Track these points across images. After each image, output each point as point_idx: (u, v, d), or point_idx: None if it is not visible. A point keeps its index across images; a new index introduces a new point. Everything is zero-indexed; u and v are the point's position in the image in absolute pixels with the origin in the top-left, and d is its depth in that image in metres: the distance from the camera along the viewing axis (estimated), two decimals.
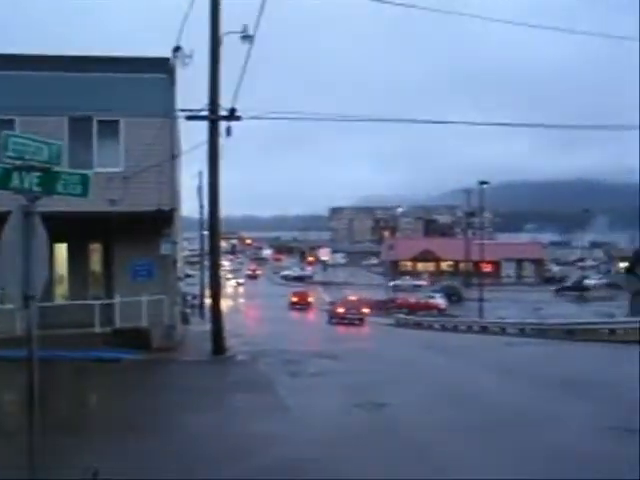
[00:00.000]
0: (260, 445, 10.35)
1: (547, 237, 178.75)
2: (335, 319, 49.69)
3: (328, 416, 12.72)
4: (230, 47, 21.71)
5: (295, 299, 72.04)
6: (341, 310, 50.54)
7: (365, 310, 52.48)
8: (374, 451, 10.07)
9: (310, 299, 72.37)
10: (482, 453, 9.94)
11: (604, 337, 29.38)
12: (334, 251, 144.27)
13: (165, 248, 23.97)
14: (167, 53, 22.50)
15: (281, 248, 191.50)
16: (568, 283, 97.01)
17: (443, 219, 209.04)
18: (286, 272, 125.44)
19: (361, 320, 49.46)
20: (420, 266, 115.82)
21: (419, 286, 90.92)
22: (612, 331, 29.96)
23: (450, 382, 16.99)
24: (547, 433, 10.96)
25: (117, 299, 22.79)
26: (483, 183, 62.05)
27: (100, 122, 23.23)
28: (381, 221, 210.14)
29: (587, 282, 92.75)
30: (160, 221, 23.14)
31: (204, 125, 22.24)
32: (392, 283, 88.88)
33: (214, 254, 23.78)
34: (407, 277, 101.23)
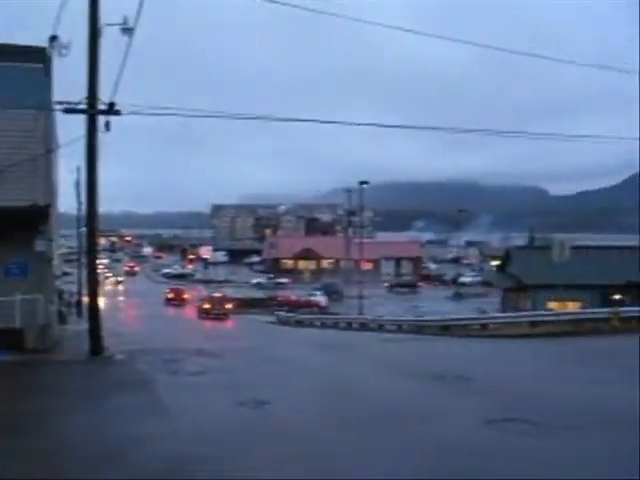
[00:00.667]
0: (136, 445, 10.19)
1: (425, 236, 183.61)
2: (203, 314, 55.06)
3: (208, 415, 12.62)
4: (115, 41, 21.18)
5: (171, 295, 74.42)
6: (207, 306, 56.32)
7: (228, 306, 57.86)
8: (255, 449, 10.08)
9: (185, 296, 74.25)
10: (362, 448, 10.12)
11: (477, 332, 30.56)
12: (215, 249, 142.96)
13: (40, 245, 23.12)
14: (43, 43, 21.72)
15: (162, 246, 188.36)
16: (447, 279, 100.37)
17: (324, 218, 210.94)
18: (166, 270, 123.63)
19: (225, 315, 55.00)
20: (301, 264, 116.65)
21: (282, 283, 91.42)
22: (484, 326, 31.20)
23: (331, 379, 17.22)
24: (425, 427, 11.28)
25: None
26: (363, 183, 63.15)
27: None
28: (263, 219, 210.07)
29: (462, 279, 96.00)
30: (35, 217, 22.27)
31: (83, 119, 21.65)
32: (255, 281, 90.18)
33: (92, 251, 23.17)
34: (271, 275, 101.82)
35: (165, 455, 9.62)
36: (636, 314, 30.60)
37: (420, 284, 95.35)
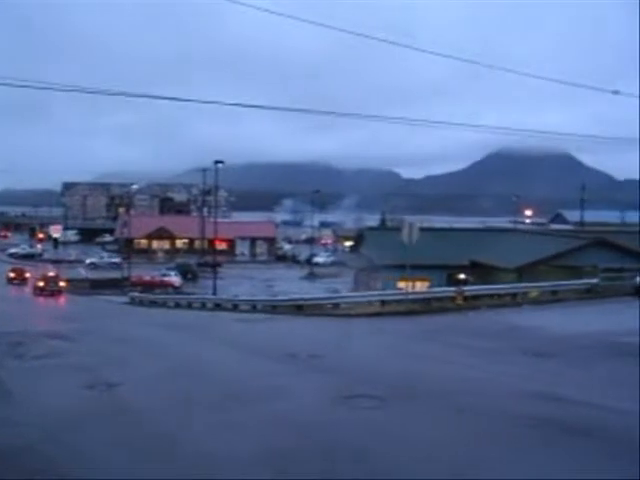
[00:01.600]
0: None
1: (280, 217, 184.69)
2: (37, 291, 58.81)
3: (54, 399, 12.37)
4: None
5: (12, 275, 73.44)
6: (41, 284, 60.15)
7: (62, 284, 61.67)
8: (101, 432, 10.00)
9: (27, 275, 73.10)
10: (209, 425, 10.27)
11: (329, 311, 31.25)
12: (66, 228, 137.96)
13: None
14: None
15: (8, 224, 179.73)
16: (300, 260, 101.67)
17: (179, 197, 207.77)
18: (13, 250, 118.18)
19: (59, 292, 59.17)
20: (155, 244, 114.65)
21: (115, 264, 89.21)
22: (336, 305, 31.95)
23: (183, 359, 17.19)
24: (275, 404, 11.54)
25: None
26: (218, 162, 62.65)
27: None
28: (116, 198, 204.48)
29: (317, 260, 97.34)
30: None
31: None
32: (88, 261, 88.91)
33: None
34: (105, 254, 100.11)
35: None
36: (477, 292, 32.35)
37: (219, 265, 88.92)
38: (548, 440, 9.37)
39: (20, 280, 71.62)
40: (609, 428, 10.03)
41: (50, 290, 58.80)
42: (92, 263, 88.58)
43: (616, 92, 30.91)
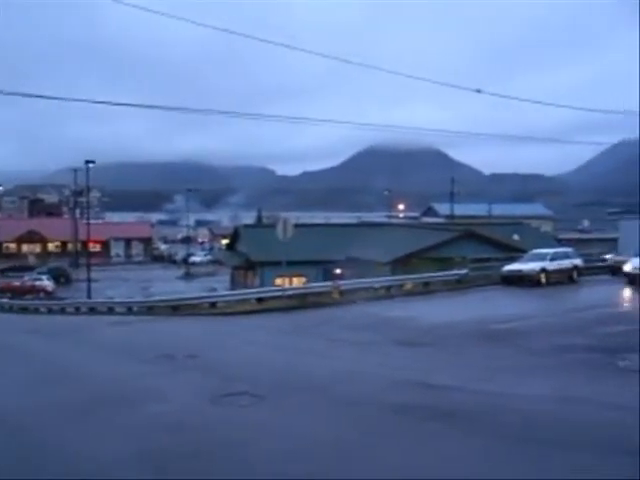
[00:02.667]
0: None
1: (156, 216, 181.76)
2: None
3: None
4: None
5: None
6: None
7: None
8: None
9: None
10: (85, 431, 10.08)
11: (206, 310, 31.09)
12: None
13: None
14: None
15: None
16: (177, 260, 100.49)
17: (50, 198, 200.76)
18: None
19: None
20: (25, 247, 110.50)
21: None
22: (213, 304, 31.81)
23: (52, 365, 16.78)
24: (149, 406, 11.44)
25: None
26: (89, 162, 60.96)
27: None
28: None
29: (193, 259, 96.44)
30: None
31: None
32: None
33: None
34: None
35: None
36: (353, 286, 32.94)
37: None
38: (416, 425, 9.75)
39: None
40: (472, 410, 10.53)
41: None
42: None
43: (479, 91, 32.07)
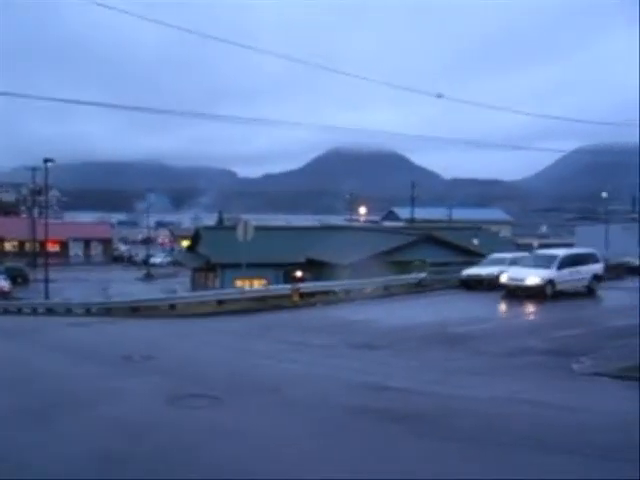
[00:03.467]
0: None
1: (115, 217, 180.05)
2: None
3: None
4: None
5: None
6: None
7: None
8: None
9: None
10: (39, 437, 10.01)
11: (166, 312, 30.96)
12: None
13: None
14: None
15: None
16: (137, 261, 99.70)
17: (7, 197, 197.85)
18: None
19: None
20: None
21: None
22: (172, 306, 31.69)
23: (9, 365, 16.52)
24: (104, 409, 11.37)
25: None
26: (47, 161, 60.23)
27: None
28: None
29: (154, 260, 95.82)
30: None
31: None
32: None
33: None
34: None
35: None
36: (313, 289, 33.09)
37: None
38: (371, 427, 9.87)
39: None
40: (427, 412, 10.70)
41: None
42: None
43: (440, 95, 32.42)
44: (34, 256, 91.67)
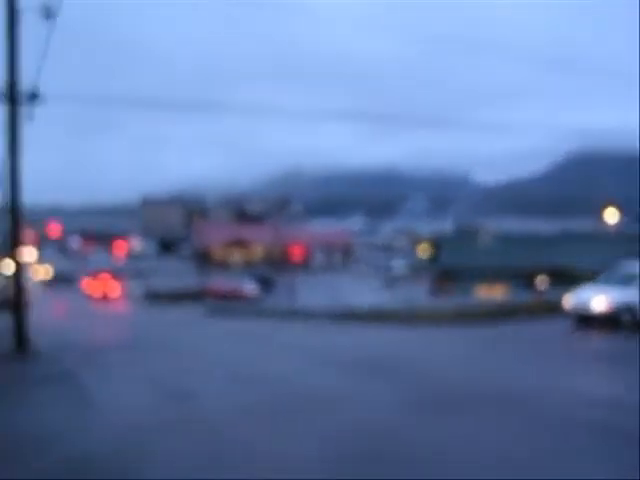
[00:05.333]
0: (56, 441, 10.11)
1: (356, 224, 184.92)
2: (96, 296, 66.94)
3: (133, 407, 12.54)
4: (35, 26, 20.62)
5: (92, 287, 73.98)
6: (100, 288, 69.62)
7: (117, 288, 71.86)
8: (180, 440, 10.06)
9: (108, 286, 73.92)
10: (283, 435, 10.22)
11: (405, 318, 30.98)
12: (144, 240, 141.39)
13: None
14: None
15: (90, 238, 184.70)
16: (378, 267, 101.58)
17: (255, 207, 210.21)
18: (94, 263, 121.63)
19: (116, 299, 67.19)
20: (232, 254, 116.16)
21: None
22: (412, 313, 31.67)
23: (254, 367, 17.19)
24: (342, 413, 11.43)
25: None
26: (296, 171, 63.06)
27: None
28: (193, 210, 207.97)
29: (392, 266, 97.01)
30: None
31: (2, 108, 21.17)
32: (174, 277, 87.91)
33: (16, 244, 22.68)
34: (201, 265, 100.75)
35: (76, 454, 9.51)
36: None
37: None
38: None
39: (100, 292, 72.12)
40: None
41: (108, 298, 65.92)
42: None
43: None
44: (279, 263, 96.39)
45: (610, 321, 21.17)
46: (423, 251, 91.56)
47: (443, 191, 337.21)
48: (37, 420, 11.74)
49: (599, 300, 21.46)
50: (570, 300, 23.01)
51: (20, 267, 22.87)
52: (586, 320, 22.01)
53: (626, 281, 21.86)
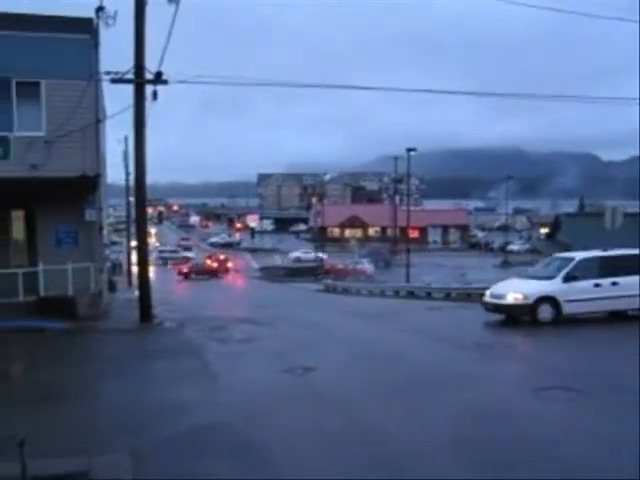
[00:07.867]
0: (182, 412, 10.44)
1: (473, 204, 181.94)
2: (206, 271, 69.10)
3: (256, 382, 12.81)
4: (161, 10, 21.19)
5: (209, 262, 77.51)
6: (214, 264, 73.17)
7: (229, 265, 75.92)
8: (299, 416, 10.21)
9: (227, 264, 77.41)
10: (406, 412, 10.20)
11: None
12: (262, 217, 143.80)
13: (90, 214, 23.43)
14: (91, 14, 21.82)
15: (208, 215, 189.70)
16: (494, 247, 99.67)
17: (371, 186, 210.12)
18: (214, 239, 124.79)
19: (226, 271, 72.54)
20: (347, 232, 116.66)
21: (321, 259, 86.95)
22: None
23: (374, 346, 17.19)
24: (469, 392, 11.30)
25: (41, 267, 22.32)
26: (410, 150, 62.66)
27: (19, 84, 22.07)
28: (309, 188, 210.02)
29: (511, 247, 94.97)
30: (84, 187, 22.60)
31: (130, 89, 21.89)
32: (294, 255, 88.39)
33: (141, 221, 23.52)
34: (310, 249, 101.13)
35: (208, 422, 9.84)
36: None
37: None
38: None
39: (219, 267, 74.22)
40: None
41: (218, 270, 69.51)
42: (297, 258, 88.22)
43: None
44: (395, 241, 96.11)
45: (523, 314, 20.08)
46: (542, 232, 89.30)
47: (565, 169, 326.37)
48: (161, 392, 12.19)
49: (515, 292, 20.35)
50: (487, 293, 22.09)
51: (144, 243, 23.72)
52: (498, 310, 21.04)
53: (554, 272, 20.73)
